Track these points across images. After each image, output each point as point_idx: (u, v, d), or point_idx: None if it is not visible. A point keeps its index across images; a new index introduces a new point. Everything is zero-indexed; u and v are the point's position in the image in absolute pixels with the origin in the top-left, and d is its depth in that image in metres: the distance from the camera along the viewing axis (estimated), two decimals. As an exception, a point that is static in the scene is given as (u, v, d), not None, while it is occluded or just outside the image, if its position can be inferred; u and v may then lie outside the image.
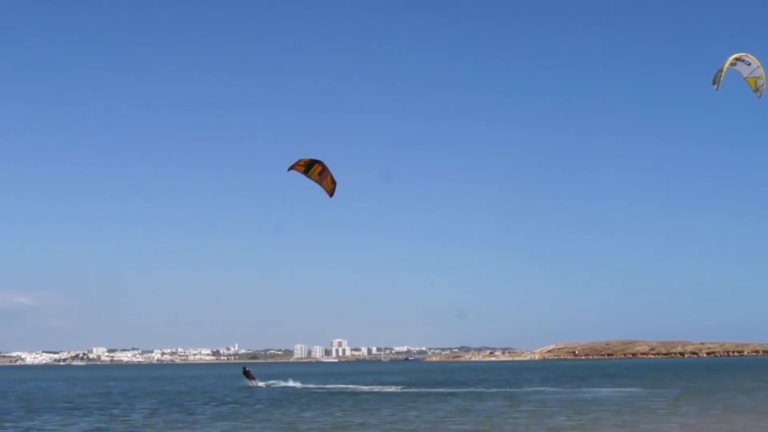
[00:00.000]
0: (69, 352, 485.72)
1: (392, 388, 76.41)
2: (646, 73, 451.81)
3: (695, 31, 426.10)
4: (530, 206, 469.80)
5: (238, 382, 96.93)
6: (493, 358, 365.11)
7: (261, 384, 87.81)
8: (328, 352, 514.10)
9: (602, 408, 47.31)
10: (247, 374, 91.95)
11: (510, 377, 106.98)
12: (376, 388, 76.86)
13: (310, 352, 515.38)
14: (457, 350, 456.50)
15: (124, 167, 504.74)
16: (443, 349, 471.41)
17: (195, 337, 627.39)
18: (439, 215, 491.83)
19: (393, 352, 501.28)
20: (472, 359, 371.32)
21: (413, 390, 72.95)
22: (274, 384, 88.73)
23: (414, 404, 53.08)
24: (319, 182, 50.22)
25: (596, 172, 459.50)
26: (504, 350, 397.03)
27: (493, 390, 71.01)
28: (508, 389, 72.31)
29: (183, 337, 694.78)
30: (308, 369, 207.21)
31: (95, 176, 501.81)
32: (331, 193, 52.38)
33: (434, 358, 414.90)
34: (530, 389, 71.85)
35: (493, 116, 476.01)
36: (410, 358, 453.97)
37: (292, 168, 48.93)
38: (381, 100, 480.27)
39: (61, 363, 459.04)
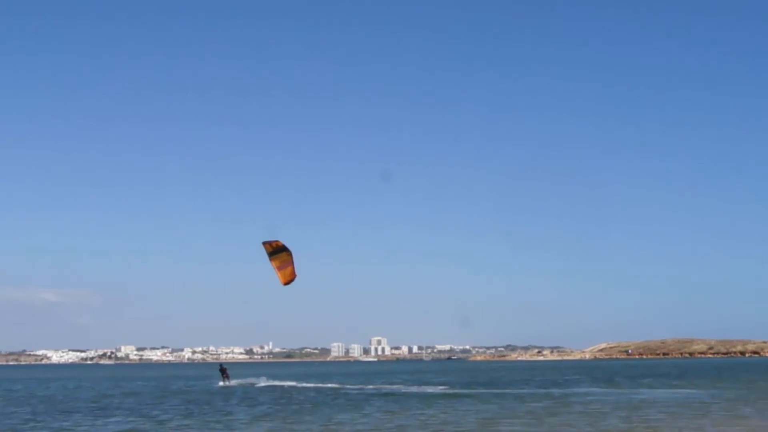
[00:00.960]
0: (96, 351, 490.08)
1: (434, 389, 76.38)
2: (670, 57, 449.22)
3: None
4: (581, 201, 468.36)
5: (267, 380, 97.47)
6: (541, 358, 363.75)
7: (233, 383, 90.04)
8: (366, 351, 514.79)
9: (658, 410, 47.00)
10: (223, 372, 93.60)
11: (559, 377, 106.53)
12: (413, 389, 76.84)
13: (347, 351, 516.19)
14: (502, 349, 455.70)
15: (155, 162, 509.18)
16: (488, 348, 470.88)
17: (227, 336, 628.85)
18: (485, 210, 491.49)
19: (435, 350, 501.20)
20: (519, 358, 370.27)
21: (457, 391, 72.84)
22: (245, 383, 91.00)
23: (457, 405, 53.06)
24: (277, 268, 56.28)
25: (650, 164, 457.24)
26: (552, 349, 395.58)
27: (542, 391, 70.73)
28: (558, 390, 72.04)
29: (215, 335, 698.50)
30: (346, 368, 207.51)
31: (124, 172, 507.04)
32: (284, 283, 58.15)
33: (479, 358, 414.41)
34: (581, 390, 71.56)
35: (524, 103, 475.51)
36: (453, 358, 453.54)
37: (266, 243, 56.73)
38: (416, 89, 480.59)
39: (88, 362, 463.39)
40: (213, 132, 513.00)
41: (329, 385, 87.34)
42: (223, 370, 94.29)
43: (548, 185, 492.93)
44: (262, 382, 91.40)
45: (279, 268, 58.95)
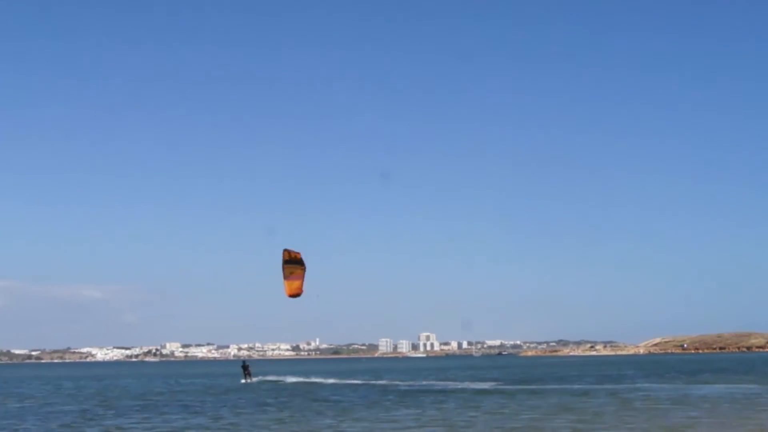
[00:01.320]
0: (141, 348, 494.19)
1: (485, 385, 76.56)
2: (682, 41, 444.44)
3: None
4: (636, 193, 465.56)
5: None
6: (594, 353, 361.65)
7: (254, 380, 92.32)
8: (415, 347, 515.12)
9: (717, 406, 46.86)
10: (245, 369, 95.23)
11: (613, 372, 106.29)
12: (462, 385, 77.01)
13: (396, 347, 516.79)
14: (554, 344, 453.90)
15: (203, 155, 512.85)
16: (539, 343, 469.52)
17: (274, 332, 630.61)
18: (537, 205, 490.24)
19: (485, 346, 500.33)
20: (571, 354, 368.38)
21: (507, 387, 72.97)
22: (264, 379, 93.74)
23: (508, 401, 53.26)
24: (285, 277, 57.98)
25: (709, 156, 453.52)
26: (605, 344, 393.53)
27: (595, 386, 70.65)
28: (612, 385, 71.93)
29: (261, 331, 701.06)
30: (393, 365, 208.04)
31: (170, 167, 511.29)
32: (289, 294, 59.74)
33: (530, 353, 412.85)
34: (636, 385, 71.41)
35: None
36: (504, 353, 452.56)
37: (287, 250, 58.50)
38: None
39: (133, 359, 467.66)
40: (251, 125, 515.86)
41: (348, 382, 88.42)
42: (245, 367, 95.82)
43: (604, 178, 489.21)
44: (289, 379, 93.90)
45: (287, 278, 60.48)
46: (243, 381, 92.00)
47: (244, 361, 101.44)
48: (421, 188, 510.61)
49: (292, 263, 61.82)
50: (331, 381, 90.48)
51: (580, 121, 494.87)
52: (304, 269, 61.82)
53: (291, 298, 62.31)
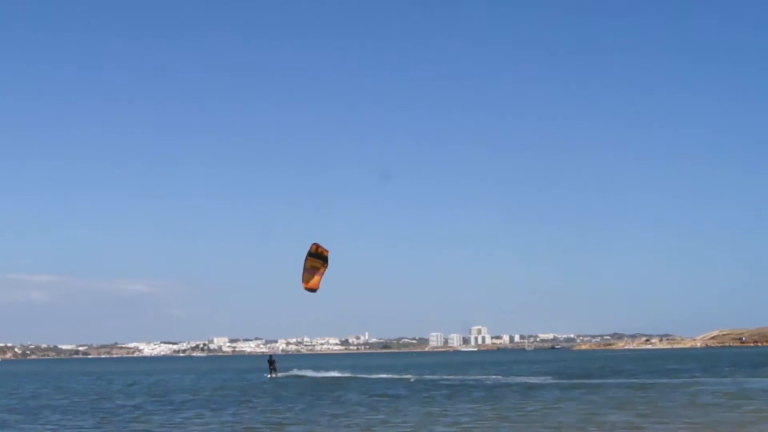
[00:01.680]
0: (188, 343, 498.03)
1: (538, 379, 76.57)
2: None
3: None
4: (687, 183, 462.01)
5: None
6: (649, 346, 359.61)
7: (280, 375, 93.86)
8: (466, 341, 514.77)
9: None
10: (271, 364, 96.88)
11: (671, 366, 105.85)
12: (517, 379, 77.06)
13: (446, 341, 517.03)
14: (608, 337, 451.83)
15: (247, 147, 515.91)
16: (593, 337, 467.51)
17: (322, 326, 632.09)
18: (592, 193, 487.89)
19: (538, 339, 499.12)
20: (626, 347, 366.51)
21: (560, 381, 72.91)
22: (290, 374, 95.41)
23: (564, 396, 53.37)
24: (306, 269, 58.77)
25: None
26: (661, 337, 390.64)
27: (652, 381, 70.30)
28: (668, 380, 71.67)
29: (309, 325, 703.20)
30: (443, 359, 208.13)
31: (215, 158, 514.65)
32: (305, 287, 60.39)
33: (583, 347, 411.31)
34: (696, 379, 71.16)
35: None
36: (557, 347, 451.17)
37: (315, 244, 59.27)
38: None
39: (181, 354, 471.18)
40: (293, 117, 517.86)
41: (398, 376, 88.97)
42: (272, 362, 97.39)
43: (663, 169, 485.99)
44: (309, 373, 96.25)
45: (307, 270, 61.50)
46: (269, 376, 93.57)
47: (270, 356, 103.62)
48: (477, 182, 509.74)
49: (317, 257, 62.85)
50: (382, 375, 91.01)
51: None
52: (325, 267, 62.89)
53: (308, 291, 63.35)
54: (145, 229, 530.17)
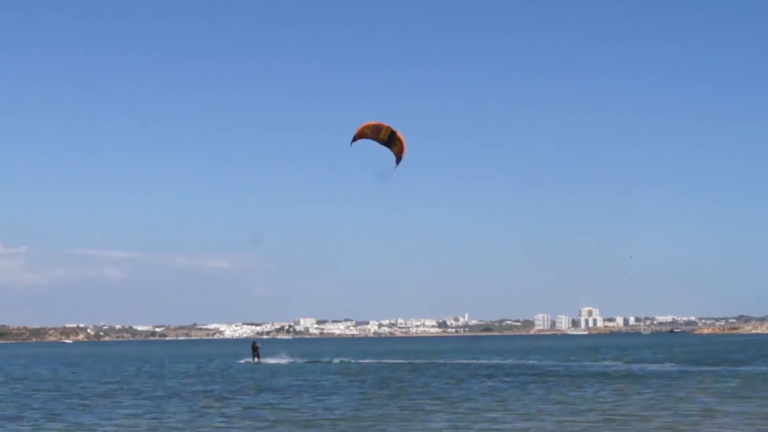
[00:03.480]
0: (273, 324, 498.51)
1: (655, 366, 76.31)
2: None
3: None
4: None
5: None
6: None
7: (262, 361, 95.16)
8: (575, 323, 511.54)
9: None
10: (255, 349, 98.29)
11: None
12: (636, 366, 76.73)
13: (554, 323, 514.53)
14: (734, 321, 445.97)
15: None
16: (717, 320, 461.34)
17: (418, 307, 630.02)
18: (717, 158, 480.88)
19: (655, 322, 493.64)
20: (754, 331, 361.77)
21: (684, 368, 72.58)
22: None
23: (684, 383, 53.32)
24: (388, 145, 46.53)
25: None
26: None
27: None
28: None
29: (404, 306, 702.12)
30: (548, 343, 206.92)
31: (303, 123, 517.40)
32: (399, 156, 48.53)
33: (705, 331, 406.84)
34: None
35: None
36: (676, 330, 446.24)
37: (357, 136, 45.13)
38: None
39: (264, 336, 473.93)
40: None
41: (498, 362, 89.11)
42: (256, 348, 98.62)
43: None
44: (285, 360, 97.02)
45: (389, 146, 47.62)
46: (252, 361, 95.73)
47: (254, 341, 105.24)
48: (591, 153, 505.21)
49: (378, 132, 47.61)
50: (482, 361, 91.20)
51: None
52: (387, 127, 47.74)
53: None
54: (228, 202, 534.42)
